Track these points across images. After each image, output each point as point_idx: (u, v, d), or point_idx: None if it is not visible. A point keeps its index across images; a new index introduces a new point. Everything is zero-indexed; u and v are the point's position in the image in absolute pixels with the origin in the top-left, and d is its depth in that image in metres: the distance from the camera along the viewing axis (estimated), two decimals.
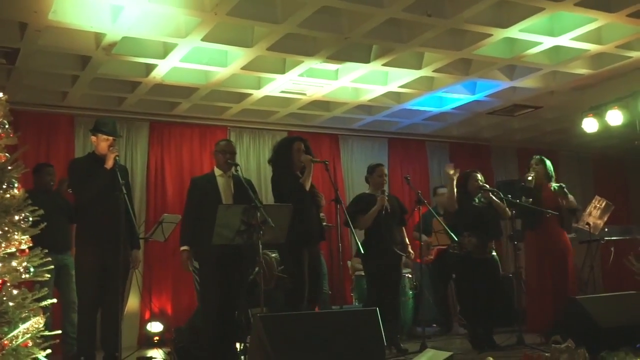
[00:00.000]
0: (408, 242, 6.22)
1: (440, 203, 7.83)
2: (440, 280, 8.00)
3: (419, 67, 7.22)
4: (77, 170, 4.96)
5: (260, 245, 4.53)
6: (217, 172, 5.18)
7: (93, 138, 4.99)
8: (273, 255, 6.26)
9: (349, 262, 8.17)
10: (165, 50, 6.50)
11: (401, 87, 7.88)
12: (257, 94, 7.91)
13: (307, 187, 5.24)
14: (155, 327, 7.79)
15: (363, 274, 6.65)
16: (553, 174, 6.37)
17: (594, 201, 6.74)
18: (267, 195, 8.93)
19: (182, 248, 4.99)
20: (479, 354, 5.19)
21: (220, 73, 7.11)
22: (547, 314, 5.85)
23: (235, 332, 5.05)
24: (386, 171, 6.25)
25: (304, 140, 5.48)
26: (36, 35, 5.92)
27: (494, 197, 5.94)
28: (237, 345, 5.17)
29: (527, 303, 6.16)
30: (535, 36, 6.45)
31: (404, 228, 6.25)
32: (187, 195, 5.21)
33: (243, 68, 6.94)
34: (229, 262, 4.86)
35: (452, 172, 5.84)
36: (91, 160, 4.97)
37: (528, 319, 6.20)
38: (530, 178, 6.12)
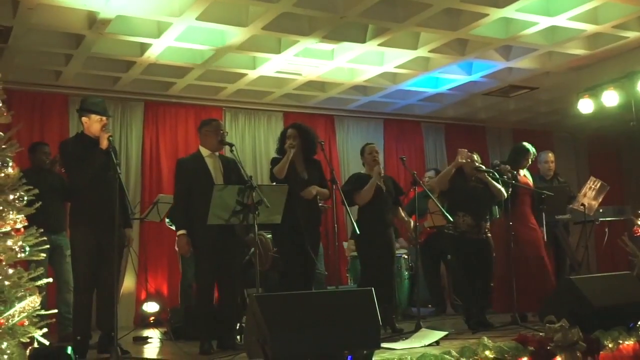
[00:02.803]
0: (405, 218, 6.22)
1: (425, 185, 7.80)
2: (431, 262, 8.02)
3: (414, 48, 7.18)
4: (70, 151, 4.86)
5: (256, 226, 4.52)
6: (205, 152, 5.04)
7: (84, 119, 4.89)
8: (268, 236, 6.26)
9: (344, 243, 8.17)
10: (159, 30, 6.45)
11: (397, 67, 7.85)
12: (252, 74, 7.87)
13: (282, 175, 5.14)
14: (151, 307, 7.83)
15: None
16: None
17: (589, 182, 6.73)
18: (262, 176, 8.94)
19: (180, 232, 4.88)
20: (473, 334, 5.21)
21: (215, 53, 7.06)
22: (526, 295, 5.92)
23: (231, 312, 5.05)
24: (377, 148, 6.20)
25: (297, 127, 5.44)
26: (28, 14, 5.85)
27: (489, 178, 5.93)
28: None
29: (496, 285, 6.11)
30: (531, 16, 6.42)
31: (400, 209, 6.25)
32: (176, 178, 5.10)
33: (238, 48, 6.90)
34: (224, 242, 4.84)
35: (463, 160, 5.81)
36: (83, 141, 4.88)
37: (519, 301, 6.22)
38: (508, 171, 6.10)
